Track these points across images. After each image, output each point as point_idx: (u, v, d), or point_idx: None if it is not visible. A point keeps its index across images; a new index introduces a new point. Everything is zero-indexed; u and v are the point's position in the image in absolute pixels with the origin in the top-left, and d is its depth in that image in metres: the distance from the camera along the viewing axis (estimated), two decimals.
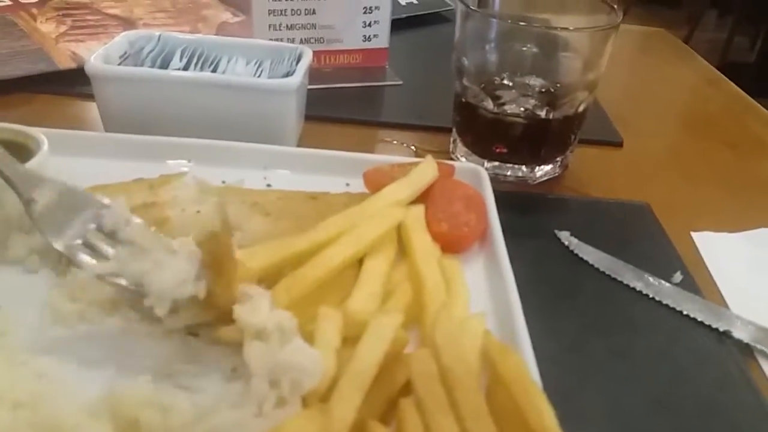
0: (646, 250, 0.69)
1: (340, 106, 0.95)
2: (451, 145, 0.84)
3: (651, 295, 0.62)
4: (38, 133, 0.62)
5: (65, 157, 0.66)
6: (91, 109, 0.84)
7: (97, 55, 0.76)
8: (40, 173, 0.53)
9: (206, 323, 0.50)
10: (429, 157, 0.68)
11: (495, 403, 0.43)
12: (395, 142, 0.89)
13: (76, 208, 0.52)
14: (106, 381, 0.45)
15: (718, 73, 1.27)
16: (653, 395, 0.53)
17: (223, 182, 0.67)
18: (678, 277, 0.64)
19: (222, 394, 0.44)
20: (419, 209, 0.62)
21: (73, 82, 0.90)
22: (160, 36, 0.84)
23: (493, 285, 0.58)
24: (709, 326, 0.59)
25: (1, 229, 0.56)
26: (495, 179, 0.78)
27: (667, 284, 0.63)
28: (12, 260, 0.56)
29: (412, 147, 0.87)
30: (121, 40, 0.81)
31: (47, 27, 1.00)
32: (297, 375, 0.41)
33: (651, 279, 0.64)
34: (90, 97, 0.80)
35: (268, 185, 0.69)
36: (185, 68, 0.81)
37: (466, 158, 0.81)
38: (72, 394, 0.43)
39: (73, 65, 0.93)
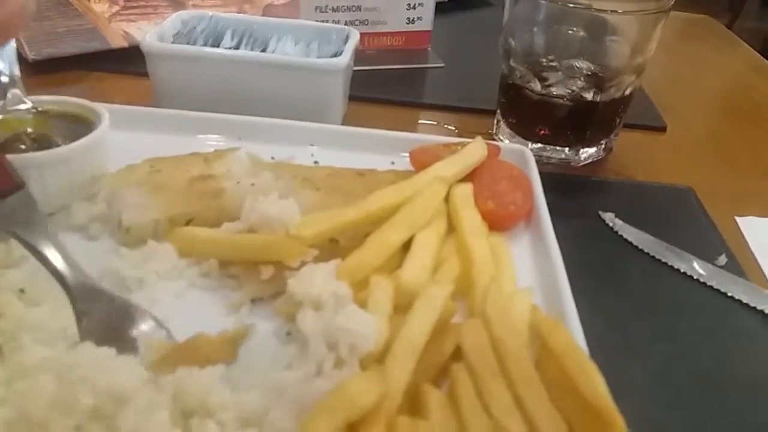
0: (690, 234, 0.69)
1: (383, 88, 0.96)
2: (495, 127, 0.85)
3: (695, 277, 0.62)
4: (100, 107, 0.64)
5: (123, 132, 0.69)
6: (141, 86, 0.87)
7: (152, 33, 0.79)
8: (100, 287, 0.51)
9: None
10: (479, 138, 0.68)
11: (545, 374, 0.44)
12: (436, 123, 0.89)
13: (130, 322, 0.49)
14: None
15: (764, 60, 1.25)
16: (697, 374, 0.53)
17: (272, 158, 0.69)
18: (723, 260, 0.65)
19: (277, 356, 0.45)
20: (467, 187, 0.62)
21: (124, 61, 0.93)
22: (212, 16, 0.86)
23: (539, 263, 0.59)
24: (754, 308, 0.59)
25: (65, 196, 0.59)
26: (538, 161, 0.77)
27: (712, 266, 0.63)
28: (74, 227, 0.58)
29: (453, 128, 0.88)
30: (174, 19, 0.83)
31: (100, 7, 1.02)
32: (353, 339, 0.43)
33: (695, 261, 0.64)
34: (140, 74, 0.82)
35: (315, 162, 0.70)
36: (236, 47, 0.83)
37: (509, 140, 0.82)
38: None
39: (125, 44, 0.95)
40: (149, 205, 0.58)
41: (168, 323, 0.50)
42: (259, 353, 0.47)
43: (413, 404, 0.42)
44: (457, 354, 0.46)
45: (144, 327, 0.48)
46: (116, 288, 0.53)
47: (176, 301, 0.52)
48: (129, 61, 0.90)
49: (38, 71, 0.89)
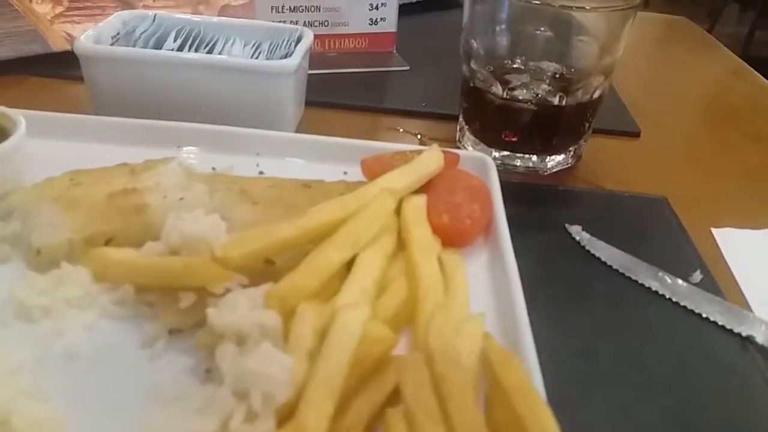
0: (664, 247, 0.64)
1: (344, 92, 0.91)
2: (458, 134, 0.80)
3: (668, 296, 0.57)
4: (16, 113, 0.58)
5: (49, 140, 0.64)
6: (85, 92, 0.81)
7: (87, 34, 0.73)
8: None
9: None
10: (434, 146, 0.63)
11: (493, 415, 0.39)
12: (401, 129, 0.84)
13: None
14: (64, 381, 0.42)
15: (743, 62, 1.21)
16: (668, 407, 0.48)
17: (213, 169, 0.63)
18: (697, 276, 0.60)
19: (192, 398, 0.40)
20: (420, 199, 0.57)
21: (67, 65, 0.87)
22: (155, 16, 0.81)
23: (496, 283, 0.54)
24: (731, 330, 0.54)
25: None
26: (504, 169, 0.74)
27: (686, 284, 0.58)
28: None
29: (418, 135, 0.83)
30: (114, 19, 0.78)
31: (43, 8, 0.96)
32: (267, 386, 0.37)
33: (668, 278, 0.59)
34: (83, 79, 0.77)
35: (261, 172, 0.65)
36: (179, 50, 0.77)
37: (473, 147, 0.77)
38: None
39: (67, 47, 0.89)
40: (64, 224, 0.52)
41: (75, 359, 0.45)
42: (172, 394, 0.41)
43: None
44: (398, 394, 0.41)
45: None
46: (20, 318, 0.47)
47: (86, 333, 0.46)
48: (72, 65, 0.84)
49: None
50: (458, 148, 0.77)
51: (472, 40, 0.72)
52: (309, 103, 0.82)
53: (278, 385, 0.37)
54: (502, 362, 0.41)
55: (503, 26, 0.72)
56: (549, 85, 0.71)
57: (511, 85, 0.71)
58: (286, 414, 0.37)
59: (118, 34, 0.77)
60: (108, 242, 0.52)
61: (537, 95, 0.71)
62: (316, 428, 0.35)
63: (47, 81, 0.87)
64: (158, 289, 0.48)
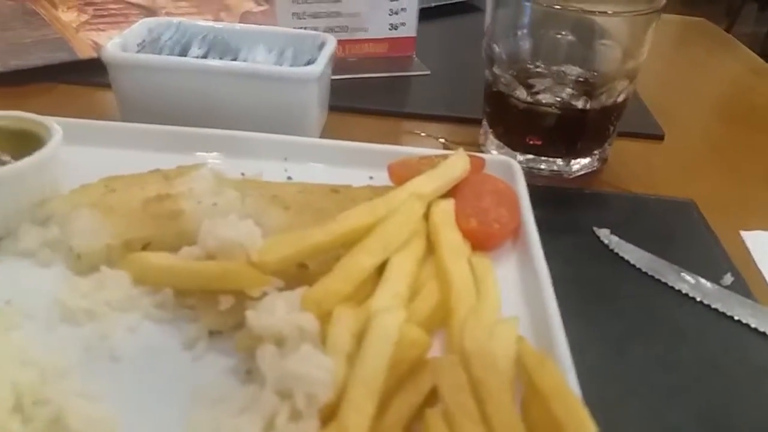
0: (693, 250, 0.64)
1: (365, 97, 0.92)
2: (482, 138, 0.80)
3: (699, 299, 0.57)
4: (51, 122, 0.59)
5: (82, 147, 0.65)
6: (111, 98, 0.82)
7: (114, 42, 0.74)
8: None
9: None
10: (460, 150, 0.64)
11: (530, 416, 0.39)
12: (423, 134, 0.85)
13: None
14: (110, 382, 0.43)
15: (764, 62, 1.20)
16: (703, 410, 0.48)
17: (242, 174, 0.64)
18: (728, 279, 0.60)
19: (233, 398, 0.41)
20: (448, 203, 0.58)
21: (93, 72, 0.88)
22: (179, 23, 0.82)
23: (527, 286, 0.54)
24: (764, 333, 0.54)
25: (13, 219, 0.54)
26: (528, 173, 0.74)
27: (716, 287, 0.59)
28: (23, 252, 0.54)
29: (441, 139, 0.83)
30: (139, 27, 0.79)
31: (68, 16, 0.98)
32: (310, 387, 0.38)
33: (698, 280, 0.59)
34: (109, 86, 0.78)
35: (289, 178, 0.66)
36: (204, 57, 0.78)
37: (497, 151, 0.77)
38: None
39: (93, 55, 0.91)
40: (102, 229, 0.53)
41: (119, 360, 0.46)
42: (215, 395, 0.42)
43: None
44: (436, 393, 0.41)
45: None
46: (65, 321, 0.48)
47: (129, 335, 0.48)
48: (98, 72, 0.85)
49: (3, 83, 0.85)
50: (482, 152, 0.78)
51: (495, 45, 0.73)
52: (331, 108, 0.83)
53: (320, 386, 0.38)
54: (537, 365, 0.42)
55: (525, 31, 0.73)
56: (573, 89, 0.71)
57: (534, 89, 0.72)
58: (328, 414, 0.38)
59: (143, 41, 0.79)
60: (145, 247, 0.53)
61: (561, 99, 0.71)
62: (358, 428, 0.36)
63: (74, 88, 0.89)
64: (197, 292, 0.49)
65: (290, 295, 0.46)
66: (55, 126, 0.59)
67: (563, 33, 0.72)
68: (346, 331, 0.42)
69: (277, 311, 0.44)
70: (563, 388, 0.40)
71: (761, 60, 1.22)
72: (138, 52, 0.76)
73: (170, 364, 0.46)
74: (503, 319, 0.48)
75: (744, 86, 1.15)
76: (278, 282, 0.48)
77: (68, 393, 0.40)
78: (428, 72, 1.00)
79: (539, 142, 0.74)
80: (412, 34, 1.01)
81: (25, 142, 0.57)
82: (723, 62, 1.22)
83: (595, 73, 0.72)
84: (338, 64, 0.88)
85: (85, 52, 0.91)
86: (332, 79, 0.81)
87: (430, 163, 0.64)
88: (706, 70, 1.17)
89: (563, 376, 0.41)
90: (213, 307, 0.47)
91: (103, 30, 0.96)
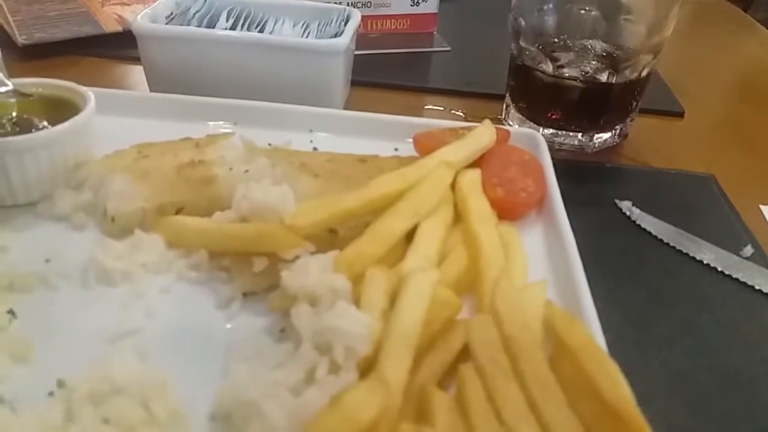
0: (713, 223, 0.65)
1: (387, 72, 0.92)
2: (504, 112, 0.81)
3: (720, 269, 0.58)
4: (86, 90, 0.60)
5: (112, 117, 0.66)
6: (136, 71, 0.83)
7: (143, 14, 0.75)
8: None
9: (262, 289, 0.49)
10: (487, 121, 0.64)
11: (561, 373, 0.40)
12: (443, 108, 0.86)
13: None
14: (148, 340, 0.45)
15: None
16: (723, 373, 0.49)
17: (269, 144, 0.65)
18: (748, 250, 0.61)
19: (270, 355, 0.42)
20: (475, 173, 0.59)
21: (118, 45, 0.90)
22: None
23: (552, 253, 0.55)
24: None
25: (49, 183, 0.56)
26: (550, 147, 0.73)
27: (737, 257, 0.59)
28: (58, 216, 0.55)
29: (461, 113, 0.84)
30: (167, 0, 0.80)
31: None
32: (348, 341, 0.39)
33: (719, 251, 0.60)
34: (134, 60, 0.79)
35: (315, 148, 0.67)
36: (232, 29, 0.79)
37: (519, 125, 0.77)
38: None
39: (118, 28, 0.92)
40: (136, 193, 0.54)
41: (154, 319, 0.47)
42: (251, 352, 0.44)
43: (418, 408, 0.39)
44: (466, 353, 0.42)
45: None
46: (101, 282, 0.49)
47: (163, 295, 0.49)
48: (123, 45, 0.87)
49: (29, 56, 0.86)
50: (503, 126, 0.78)
51: (521, 18, 0.73)
52: (353, 83, 0.84)
53: (358, 340, 0.39)
54: (566, 325, 0.43)
55: (551, 5, 0.73)
56: (597, 62, 0.72)
57: (559, 63, 0.72)
58: (366, 368, 0.39)
59: (171, 14, 0.79)
60: (178, 212, 0.54)
61: (585, 73, 0.72)
62: (396, 378, 0.37)
63: (100, 61, 0.90)
64: (232, 254, 0.50)
65: (323, 258, 0.47)
66: (89, 93, 0.60)
67: (588, 8, 0.73)
68: (380, 290, 0.43)
69: (311, 272, 0.45)
70: (593, 346, 0.41)
71: None
72: (167, 24, 0.77)
73: (205, 324, 0.47)
74: (532, 282, 0.49)
75: (763, 66, 1.15)
76: (310, 246, 0.49)
77: (116, 352, 0.42)
78: (449, 48, 1.00)
79: (561, 117, 0.75)
80: (434, 10, 1.01)
81: (61, 109, 0.59)
82: (741, 42, 1.22)
83: (620, 48, 0.72)
84: (360, 39, 0.88)
85: (110, 26, 0.92)
86: (355, 55, 0.82)
87: (455, 134, 0.64)
88: (725, 50, 1.17)
89: (591, 334, 0.42)
90: (247, 269, 0.49)
91: (127, 4, 0.97)
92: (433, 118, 0.82)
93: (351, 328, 0.39)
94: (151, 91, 0.76)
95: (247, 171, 0.57)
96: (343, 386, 0.37)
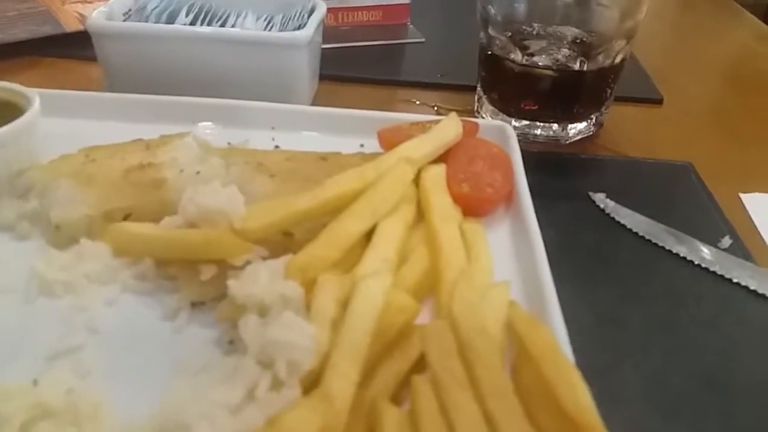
0: (690, 214, 0.63)
1: (359, 66, 0.90)
2: (476, 104, 0.79)
3: (696, 262, 0.56)
4: (31, 91, 0.58)
5: (64, 119, 0.63)
6: (99, 72, 0.80)
7: (98, 11, 0.72)
8: None
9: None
10: (452, 114, 0.62)
11: (521, 381, 0.38)
12: (417, 102, 0.83)
13: None
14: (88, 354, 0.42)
15: (767, 27, 1.18)
16: (700, 372, 0.47)
17: (229, 143, 0.62)
18: (726, 241, 0.58)
19: (215, 369, 0.39)
20: (439, 168, 0.56)
21: (80, 45, 0.86)
22: None
23: (519, 251, 0.53)
24: (763, 295, 0.53)
25: None
26: (524, 139, 0.72)
27: (714, 249, 0.57)
28: (1, 225, 0.52)
29: (434, 107, 0.81)
30: None
31: None
32: (292, 354, 0.37)
33: (696, 244, 0.57)
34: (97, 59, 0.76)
35: (277, 146, 0.64)
36: (192, 25, 0.76)
37: (492, 117, 0.75)
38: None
39: (80, 27, 0.89)
40: (81, 200, 0.51)
41: (97, 334, 0.44)
42: (197, 366, 0.41)
43: (368, 424, 0.36)
44: (423, 362, 0.40)
45: None
46: (43, 294, 0.47)
47: (107, 308, 0.46)
48: (84, 45, 0.83)
49: None
50: (476, 118, 0.76)
51: (490, 6, 0.70)
52: (323, 77, 0.81)
53: (303, 353, 0.37)
54: (528, 329, 0.40)
55: None
56: (569, 50, 0.69)
57: (529, 51, 0.69)
58: (312, 382, 0.37)
59: (129, 10, 0.77)
60: (126, 217, 0.51)
61: (557, 60, 0.69)
62: (341, 394, 0.34)
63: (61, 61, 0.87)
64: (178, 262, 0.47)
65: (274, 264, 0.45)
66: (34, 95, 0.57)
67: None
68: (331, 297, 0.41)
69: (260, 280, 0.43)
70: (555, 351, 0.39)
71: (765, 26, 1.19)
72: (124, 21, 0.74)
73: (151, 336, 0.44)
74: (495, 283, 0.47)
75: (746, 52, 1.12)
76: (262, 251, 0.47)
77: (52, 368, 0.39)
78: (423, 40, 0.98)
79: (535, 107, 0.72)
80: (406, 1, 0.98)
81: (4, 113, 0.56)
82: (725, 27, 1.19)
83: (592, 34, 0.70)
84: (331, 32, 0.86)
85: (71, 25, 0.89)
86: (325, 48, 0.79)
87: (421, 128, 0.62)
88: (708, 35, 1.14)
89: (555, 338, 0.40)
90: (194, 278, 0.46)
91: (89, 2, 0.94)
92: (404, 112, 0.80)
93: (295, 341, 0.37)
94: (110, 90, 0.74)
95: (198, 172, 0.54)
96: (284, 404, 0.35)
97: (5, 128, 0.53)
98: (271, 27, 0.78)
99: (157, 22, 0.76)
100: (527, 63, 0.69)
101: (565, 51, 0.69)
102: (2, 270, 0.49)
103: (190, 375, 0.40)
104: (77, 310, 0.46)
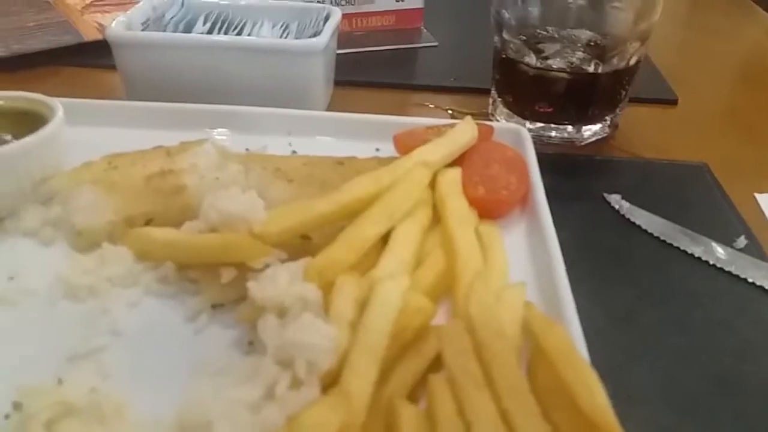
0: (706, 214, 0.63)
1: (373, 70, 0.90)
2: (491, 107, 0.79)
3: (711, 262, 0.56)
4: (54, 101, 0.59)
5: (86, 127, 0.65)
6: (119, 80, 0.82)
7: (118, 21, 0.74)
8: None
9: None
10: (468, 118, 0.62)
11: (537, 381, 0.39)
12: (431, 105, 0.84)
13: None
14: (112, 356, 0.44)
15: None
16: (714, 372, 0.47)
17: (247, 149, 0.63)
18: (742, 241, 0.58)
19: (235, 370, 0.40)
20: (455, 171, 0.57)
21: (99, 54, 0.88)
22: (183, 1, 0.81)
23: (535, 253, 0.53)
24: None
25: (15, 199, 0.54)
26: (539, 141, 0.72)
27: (730, 249, 0.57)
28: (25, 232, 0.54)
29: (449, 110, 0.82)
30: (143, 5, 0.78)
31: None
32: (311, 354, 0.37)
33: (711, 244, 0.58)
34: (116, 68, 0.77)
35: (294, 152, 0.65)
36: (209, 33, 0.77)
37: (507, 120, 0.75)
38: None
39: (99, 37, 0.91)
40: (104, 206, 0.53)
41: (120, 336, 0.45)
42: (217, 366, 0.42)
43: (386, 422, 0.37)
44: (439, 362, 0.41)
45: None
46: (67, 298, 0.48)
47: (130, 310, 0.47)
48: (104, 54, 0.85)
49: (7, 68, 0.85)
50: (491, 121, 0.76)
51: (503, 10, 0.71)
52: (338, 83, 0.82)
53: (321, 353, 0.37)
54: (545, 329, 0.41)
55: None
56: (583, 52, 0.69)
57: (544, 54, 0.70)
58: (330, 381, 0.38)
59: (148, 20, 0.78)
60: (147, 223, 0.53)
61: (571, 63, 0.69)
62: (359, 393, 0.35)
63: (81, 71, 0.88)
64: (199, 266, 0.48)
65: (292, 266, 0.46)
66: (57, 104, 0.58)
67: None
68: (349, 299, 0.42)
69: (279, 282, 0.44)
70: (571, 352, 0.39)
71: None
72: (142, 30, 0.75)
73: (172, 338, 0.45)
74: (511, 284, 0.47)
75: (761, 50, 1.12)
76: (281, 254, 0.48)
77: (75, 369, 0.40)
78: (436, 43, 0.98)
79: (549, 110, 0.72)
80: (419, 5, 0.99)
81: (29, 122, 0.57)
82: (739, 25, 1.19)
83: (606, 36, 0.70)
84: (345, 38, 0.87)
85: (90, 34, 0.91)
86: (339, 54, 0.80)
87: (436, 132, 0.63)
88: (721, 34, 1.14)
89: (571, 339, 0.41)
90: (215, 280, 0.47)
91: (108, 12, 0.96)
92: (419, 116, 0.81)
93: (314, 341, 0.38)
94: (129, 99, 0.75)
95: (218, 178, 0.55)
96: (304, 402, 0.36)
97: (30, 138, 0.54)
98: (287, 35, 0.79)
99: (175, 31, 0.77)
100: (542, 66, 0.70)
101: (580, 54, 0.69)
102: (27, 274, 0.50)
103: (210, 375, 0.41)
104: (100, 313, 0.47)
